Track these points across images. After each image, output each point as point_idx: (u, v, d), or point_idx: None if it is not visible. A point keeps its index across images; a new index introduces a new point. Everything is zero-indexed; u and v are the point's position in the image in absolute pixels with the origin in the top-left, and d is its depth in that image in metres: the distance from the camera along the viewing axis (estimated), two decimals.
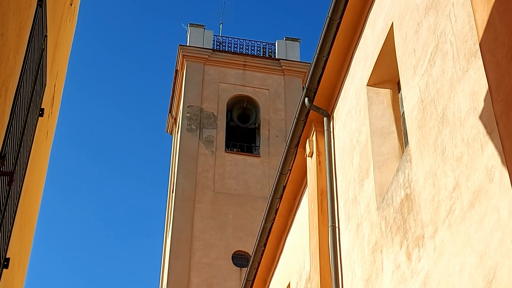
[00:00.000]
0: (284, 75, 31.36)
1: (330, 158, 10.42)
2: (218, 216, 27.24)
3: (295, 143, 11.70)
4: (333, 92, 10.82)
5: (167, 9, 72.33)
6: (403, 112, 8.50)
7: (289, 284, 12.52)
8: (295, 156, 11.86)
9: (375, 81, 9.30)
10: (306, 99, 10.91)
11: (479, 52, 5.89)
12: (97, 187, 68.56)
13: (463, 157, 6.23)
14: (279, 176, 12.33)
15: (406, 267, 7.30)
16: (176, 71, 31.96)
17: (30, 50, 6.07)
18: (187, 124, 29.28)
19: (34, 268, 62.82)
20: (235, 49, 31.94)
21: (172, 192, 29.37)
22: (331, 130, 10.74)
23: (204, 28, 32.32)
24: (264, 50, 32.22)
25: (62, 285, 61.66)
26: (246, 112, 30.74)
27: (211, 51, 31.15)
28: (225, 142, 29.31)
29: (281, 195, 12.65)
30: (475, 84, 6.13)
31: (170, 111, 33.48)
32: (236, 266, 26.34)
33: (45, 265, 63.09)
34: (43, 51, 6.74)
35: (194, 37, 31.84)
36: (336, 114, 10.67)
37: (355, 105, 9.74)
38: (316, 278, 9.88)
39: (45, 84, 7.38)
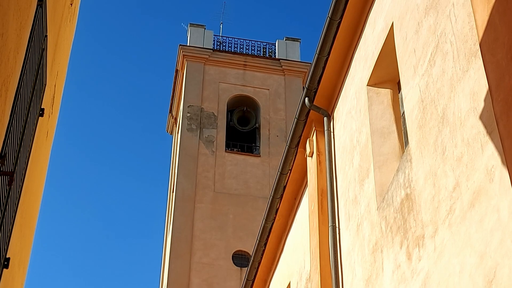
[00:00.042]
0: (285, 75, 31.36)
1: (331, 158, 10.42)
2: (218, 216, 27.24)
3: (296, 143, 11.70)
4: (333, 92, 10.83)
5: (167, 9, 72.38)
6: (403, 112, 8.51)
7: (289, 284, 12.52)
8: (296, 156, 11.86)
9: (375, 81, 9.30)
10: (306, 99, 10.91)
11: (479, 52, 5.89)
12: (97, 187, 68.60)
13: (463, 157, 6.23)
14: (280, 176, 12.34)
15: (406, 267, 7.30)
16: (176, 71, 31.97)
17: (30, 50, 6.07)
18: (188, 124, 29.29)
19: (34, 268, 62.84)
20: (236, 49, 31.95)
21: (172, 192, 29.37)
22: (331, 130, 10.75)
23: (205, 28, 32.32)
24: (265, 50, 32.23)
25: (62, 285, 61.71)
26: (246, 115, 30.75)
27: (212, 51, 31.15)
28: (226, 142, 29.32)
29: (282, 195, 12.65)
30: (475, 84, 6.13)
31: (171, 111, 33.49)
32: (237, 266, 26.34)
33: (45, 265, 63.12)
34: (43, 51, 6.75)
35: (195, 37, 31.85)
36: (336, 114, 10.67)
37: (355, 105, 9.74)
38: (316, 278, 9.89)
39: (45, 84, 7.38)
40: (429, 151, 7.04)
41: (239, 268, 26.26)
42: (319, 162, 10.80)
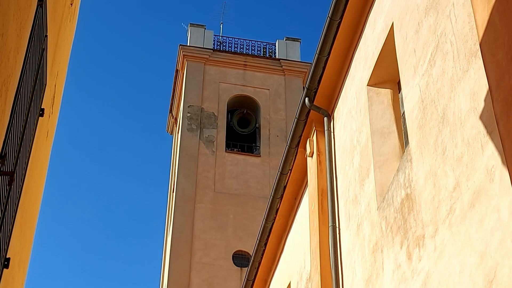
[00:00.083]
0: (285, 75, 31.36)
1: (331, 158, 10.42)
2: (218, 216, 27.24)
3: (296, 143, 11.70)
4: (333, 92, 10.83)
5: (167, 9, 72.38)
6: (404, 112, 8.51)
7: (289, 284, 12.52)
8: (296, 156, 11.86)
9: (375, 81, 9.30)
10: (306, 99, 10.91)
11: (479, 52, 5.89)
12: (97, 187, 68.61)
13: (464, 157, 6.23)
14: (280, 176, 12.34)
15: (406, 267, 7.30)
16: (177, 71, 31.97)
17: (30, 50, 6.07)
18: (188, 124, 29.29)
19: (34, 268, 62.84)
20: (236, 49, 31.95)
21: (173, 192, 29.37)
22: (332, 130, 10.75)
23: (205, 28, 32.32)
24: (265, 50, 32.23)
25: (62, 285, 61.72)
26: (246, 117, 30.75)
27: (212, 51, 31.15)
28: (226, 142, 29.32)
29: (282, 195, 12.65)
30: (475, 84, 6.13)
31: (171, 111, 33.49)
32: (237, 266, 26.34)
33: (45, 265, 63.13)
34: (43, 51, 6.75)
35: (195, 37, 31.85)
36: (337, 114, 10.67)
37: (355, 105, 9.74)
38: (317, 278, 9.89)
39: (46, 84, 7.38)
40: (429, 151, 7.04)
41: (239, 268, 26.26)
42: (319, 162, 10.80)
